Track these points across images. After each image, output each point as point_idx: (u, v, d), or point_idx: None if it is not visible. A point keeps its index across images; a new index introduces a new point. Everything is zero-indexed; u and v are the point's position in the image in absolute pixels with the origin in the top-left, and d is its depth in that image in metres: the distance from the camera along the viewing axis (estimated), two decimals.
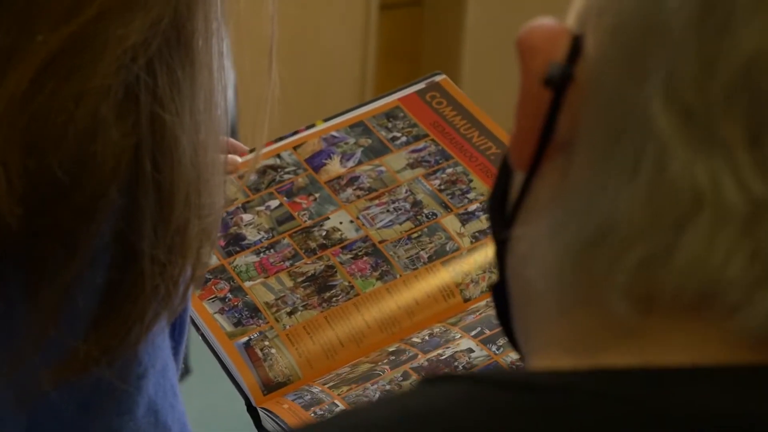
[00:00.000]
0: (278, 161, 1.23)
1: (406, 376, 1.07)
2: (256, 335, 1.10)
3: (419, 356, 1.09)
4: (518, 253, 0.53)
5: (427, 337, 1.11)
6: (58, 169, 0.65)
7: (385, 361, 1.09)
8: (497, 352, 1.09)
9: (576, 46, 0.48)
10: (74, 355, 0.69)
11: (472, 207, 1.19)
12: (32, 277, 0.68)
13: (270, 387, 1.08)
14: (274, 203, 1.20)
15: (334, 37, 3.41)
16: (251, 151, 1.11)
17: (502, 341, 1.09)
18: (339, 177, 1.21)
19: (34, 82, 0.65)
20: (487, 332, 1.10)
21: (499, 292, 0.57)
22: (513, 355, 1.08)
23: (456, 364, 1.08)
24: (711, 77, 0.44)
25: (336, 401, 1.05)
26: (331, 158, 1.23)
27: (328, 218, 1.18)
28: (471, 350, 1.09)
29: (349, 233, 1.17)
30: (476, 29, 3.66)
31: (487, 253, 1.17)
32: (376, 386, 1.06)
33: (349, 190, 1.20)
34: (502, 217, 0.55)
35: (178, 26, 0.68)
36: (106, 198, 0.67)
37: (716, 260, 0.45)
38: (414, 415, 0.46)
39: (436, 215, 1.19)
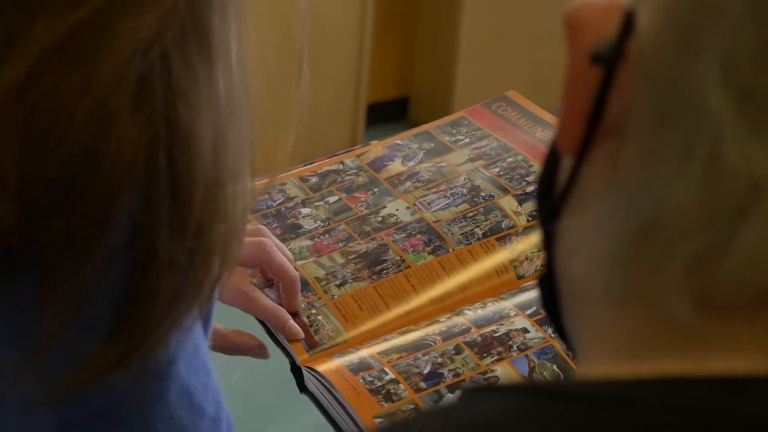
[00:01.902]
0: (341, 166, 1.24)
1: (458, 349, 1.03)
2: (303, 306, 1.08)
3: (472, 330, 1.05)
4: (566, 246, 0.51)
5: (480, 311, 1.07)
6: (59, 166, 0.61)
7: (436, 331, 1.05)
8: (553, 336, 1.04)
9: (628, 22, 0.45)
10: (90, 361, 0.66)
11: (531, 188, 1.17)
12: (44, 282, 0.65)
13: (315, 348, 1.05)
14: (332, 198, 1.20)
15: (331, 9, 3.30)
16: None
17: None
18: (399, 174, 1.22)
19: (32, 72, 0.61)
20: (543, 313, 1.06)
21: (547, 283, 0.55)
22: None
23: (510, 343, 1.04)
24: None
25: (386, 368, 1.02)
26: (393, 161, 1.24)
27: (384, 207, 1.18)
28: (526, 330, 1.05)
29: (405, 218, 1.16)
30: (474, 2, 3.59)
31: None
32: (427, 357, 1.03)
33: (408, 183, 1.20)
34: (549, 206, 0.53)
35: (194, 12, 0.65)
36: (120, 198, 0.63)
37: None
38: (464, 427, 0.44)
39: (493, 197, 1.17)
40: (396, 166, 1.22)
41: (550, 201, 0.52)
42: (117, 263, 0.65)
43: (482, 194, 1.17)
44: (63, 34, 0.61)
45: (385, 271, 1.11)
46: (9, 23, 0.62)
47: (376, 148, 1.25)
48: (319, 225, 1.17)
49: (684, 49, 0.43)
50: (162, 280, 0.65)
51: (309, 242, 1.15)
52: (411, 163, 1.22)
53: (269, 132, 0.77)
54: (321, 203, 1.20)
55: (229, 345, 1.07)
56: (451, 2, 3.61)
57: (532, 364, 1.02)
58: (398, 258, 1.12)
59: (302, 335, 1.06)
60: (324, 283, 1.10)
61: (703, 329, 0.44)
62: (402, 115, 3.80)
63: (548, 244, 0.53)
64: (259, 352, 1.06)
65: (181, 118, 0.64)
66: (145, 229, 0.64)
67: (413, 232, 1.14)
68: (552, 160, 0.54)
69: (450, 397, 1.00)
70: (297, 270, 1.11)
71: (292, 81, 0.75)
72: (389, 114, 3.75)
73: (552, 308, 0.55)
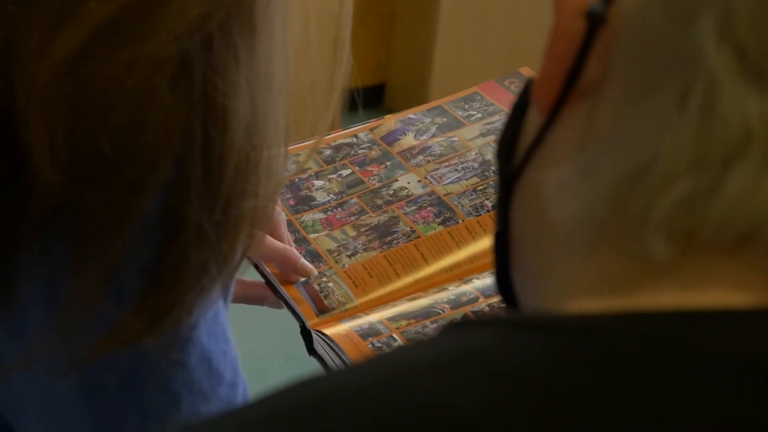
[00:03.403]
0: (355, 140, 1.26)
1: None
2: (315, 275, 1.10)
3: (480, 299, 1.07)
4: (536, 196, 0.53)
5: (488, 280, 1.09)
6: (105, 138, 0.63)
7: (444, 299, 1.07)
8: None
9: None
10: (120, 328, 0.68)
11: None
12: (79, 251, 0.66)
13: (324, 311, 1.07)
14: (346, 171, 1.22)
15: None
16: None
17: None
18: (411, 148, 1.23)
19: (84, 48, 0.62)
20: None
21: (502, 238, 0.57)
22: None
23: None
24: None
25: (394, 335, 1.03)
26: (405, 135, 1.25)
27: (396, 180, 1.20)
28: None
29: (416, 191, 1.18)
30: None
31: None
32: (435, 325, 1.04)
33: (420, 157, 1.22)
34: (511, 159, 0.56)
35: None
36: (157, 172, 0.64)
37: (763, 197, 0.44)
38: (448, 360, 0.44)
39: None
40: (408, 140, 1.24)
41: (512, 156, 0.55)
42: (150, 233, 0.66)
43: (493, 168, 1.19)
44: (116, 11, 0.62)
45: (395, 241, 1.13)
46: None
47: (390, 122, 1.27)
48: (332, 198, 1.19)
49: (677, 10, 0.45)
50: (191, 250, 0.67)
51: (322, 215, 1.17)
52: (423, 137, 1.24)
53: (306, 111, 0.78)
54: (334, 176, 1.22)
55: (244, 294, 1.09)
56: None
57: None
58: (408, 229, 1.14)
59: (315, 272, 1.08)
60: (335, 254, 1.12)
61: (682, 267, 0.45)
62: (379, 102, 3.81)
63: (506, 197, 0.55)
64: (274, 301, 1.08)
65: (219, 96, 0.65)
66: (177, 200, 0.66)
67: (424, 205, 1.16)
68: (515, 117, 0.56)
69: None
70: (310, 242, 1.13)
71: (326, 63, 0.76)
72: (365, 101, 3.75)
73: (503, 263, 0.57)
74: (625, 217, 0.47)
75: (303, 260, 1.09)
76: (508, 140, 0.56)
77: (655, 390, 0.41)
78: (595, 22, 0.47)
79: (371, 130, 1.27)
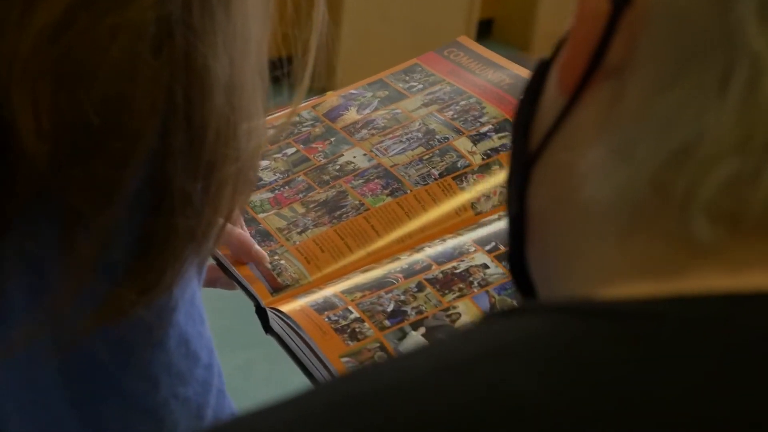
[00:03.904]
0: (297, 118, 1.26)
1: (420, 286, 1.05)
2: (266, 254, 1.10)
3: (433, 267, 1.07)
4: (562, 178, 0.53)
5: (439, 247, 1.09)
6: (91, 108, 0.62)
7: (397, 269, 1.07)
8: None
9: None
10: (112, 300, 0.68)
11: (484, 129, 1.19)
12: (68, 229, 0.66)
13: (278, 289, 1.07)
14: (290, 150, 1.22)
15: None
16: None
17: None
18: (355, 122, 1.23)
19: (65, 16, 0.62)
20: (502, 248, 1.08)
21: (518, 220, 0.57)
22: None
23: (471, 279, 1.05)
24: None
25: (350, 307, 1.03)
26: (348, 110, 1.25)
27: (342, 155, 1.19)
28: (486, 266, 1.06)
29: (362, 164, 1.18)
30: None
31: (499, 169, 1.16)
32: (390, 295, 1.04)
33: (364, 131, 1.21)
34: (527, 142, 0.55)
35: None
36: (143, 141, 0.64)
37: None
38: (503, 349, 0.44)
39: (448, 139, 1.19)
40: (351, 115, 1.24)
41: (528, 138, 0.55)
42: (137, 203, 0.66)
43: (437, 137, 1.19)
44: None
45: (344, 215, 1.12)
46: None
47: (331, 98, 1.27)
48: (279, 177, 1.19)
49: None
50: (177, 217, 0.67)
51: (269, 194, 1.17)
52: (366, 111, 1.24)
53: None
54: (279, 155, 1.21)
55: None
56: None
57: (493, 300, 1.04)
58: (357, 202, 1.13)
59: (267, 259, 1.07)
60: (286, 232, 1.12)
61: (727, 249, 0.45)
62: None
63: (522, 180, 0.55)
64: (227, 282, 1.08)
65: (199, 59, 0.65)
66: (161, 168, 0.65)
67: (371, 178, 1.16)
68: (529, 100, 0.56)
69: (414, 334, 1.01)
70: (259, 222, 1.13)
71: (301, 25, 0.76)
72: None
73: (518, 245, 0.57)
74: (668, 198, 0.46)
75: (257, 246, 1.08)
76: (523, 123, 0.55)
77: (718, 375, 0.41)
78: (620, 3, 0.48)
79: (313, 107, 1.27)
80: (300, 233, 1.11)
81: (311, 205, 1.14)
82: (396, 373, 0.45)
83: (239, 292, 1.08)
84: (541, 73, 0.55)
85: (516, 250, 0.58)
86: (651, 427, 0.40)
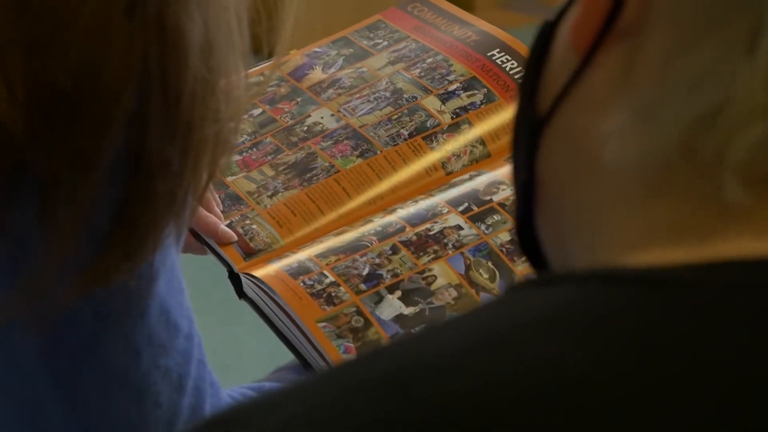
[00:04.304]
0: (261, 78, 1.24)
1: (395, 249, 1.04)
2: (237, 218, 1.09)
3: (407, 229, 1.06)
4: (578, 142, 0.51)
5: (411, 209, 1.09)
6: (65, 74, 0.61)
7: (371, 231, 1.06)
8: (486, 232, 1.05)
9: None
10: (94, 269, 0.67)
11: (453, 87, 1.18)
12: (48, 199, 0.65)
13: (251, 254, 1.06)
14: (256, 111, 1.20)
15: None
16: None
17: (490, 221, 1.06)
18: (321, 82, 1.22)
19: None
20: (475, 209, 1.07)
21: (527, 189, 0.55)
22: (503, 237, 1.05)
23: (445, 241, 1.05)
24: None
25: (325, 271, 1.02)
26: (313, 69, 1.23)
27: (309, 116, 1.18)
28: (460, 227, 1.06)
29: (330, 125, 1.17)
30: None
31: (468, 128, 1.15)
32: (365, 258, 1.04)
33: (330, 91, 1.20)
34: (536, 106, 0.54)
35: None
36: (120, 106, 0.63)
37: None
38: (538, 321, 0.43)
39: (416, 98, 1.18)
40: (317, 74, 1.22)
41: (536, 102, 0.53)
42: (116, 169, 0.65)
43: (405, 96, 1.18)
44: None
45: (315, 178, 1.11)
46: None
47: (295, 57, 1.25)
48: (246, 139, 1.17)
49: None
50: (156, 181, 0.66)
51: (237, 157, 1.15)
52: (331, 70, 1.22)
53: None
54: (245, 117, 1.20)
55: None
56: None
57: (468, 262, 1.04)
58: (327, 164, 1.12)
59: (235, 238, 1.06)
60: (256, 195, 1.11)
61: (757, 212, 0.45)
62: None
63: (531, 145, 0.54)
64: (199, 248, 1.07)
65: (171, 20, 0.64)
66: (139, 132, 0.65)
67: (340, 139, 1.15)
68: (535, 62, 0.54)
69: (390, 298, 1.01)
70: (228, 186, 1.12)
71: None
72: None
73: (528, 213, 0.56)
74: (696, 161, 0.45)
75: (223, 226, 1.07)
76: (529, 87, 0.54)
77: (765, 338, 0.41)
78: None
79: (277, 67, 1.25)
80: (270, 196, 1.10)
81: (281, 168, 1.13)
82: (431, 347, 0.44)
83: (211, 258, 1.07)
84: (546, 34, 0.54)
85: (525, 219, 0.56)
86: (709, 396, 0.40)
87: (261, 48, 0.77)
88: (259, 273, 1.02)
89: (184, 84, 0.65)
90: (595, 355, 0.41)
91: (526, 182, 0.55)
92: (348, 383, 0.43)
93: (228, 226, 1.08)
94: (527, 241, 0.57)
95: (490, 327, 0.44)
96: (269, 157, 1.14)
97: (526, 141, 0.55)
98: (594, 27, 0.49)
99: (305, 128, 1.17)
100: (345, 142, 1.14)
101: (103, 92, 0.63)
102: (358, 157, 1.13)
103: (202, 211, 1.06)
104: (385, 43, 1.24)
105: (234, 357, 2.52)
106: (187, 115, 0.66)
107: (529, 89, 0.55)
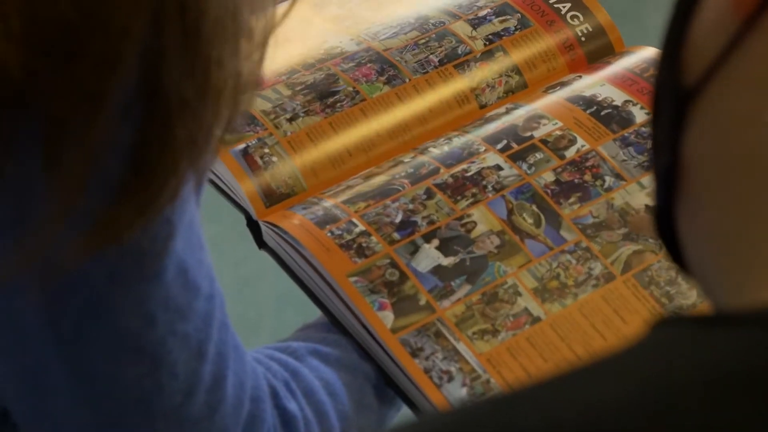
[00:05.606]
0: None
1: (429, 193, 0.94)
2: (254, 141, 0.98)
3: (441, 170, 0.96)
4: (738, 130, 0.42)
5: (446, 148, 0.99)
6: (66, 1, 0.55)
7: (402, 173, 0.96)
8: (529, 172, 0.96)
9: None
10: (105, 223, 0.61)
11: (483, 12, 1.08)
12: (51, 144, 0.59)
13: (272, 199, 0.95)
14: None
15: None
16: None
17: (532, 159, 0.97)
18: (337, 17, 1.11)
19: None
20: (515, 146, 0.98)
21: (669, 175, 0.45)
22: (546, 177, 0.95)
23: (484, 183, 0.95)
24: None
25: (354, 219, 0.92)
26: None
27: (325, 41, 1.07)
28: (499, 167, 0.96)
29: (350, 48, 1.06)
30: None
31: (503, 55, 1.05)
32: (397, 204, 0.94)
33: (349, 21, 1.09)
34: (680, 74, 0.44)
35: None
36: (131, 38, 0.57)
37: None
38: (719, 382, 0.35)
39: (444, 23, 1.07)
40: (332, 10, 1.12)
41: (680, 70, 0.44)
42: (129, 109, 0.59)
43: (432, 21, 1.08)
44: None
45: (338, 104, 1.01)
46: None
47: None
48: None
49: None
50: (174, 123, 0.60)
51: None
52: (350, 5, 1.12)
53: None
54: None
55: None
56: None
57: (510, 206, 0.94)
58: (351, 89, 1.02)
59: None
60: (273, 116, 1.00)
61: None
62: None
63: (676, 120, 0.44)
64: None
65: None
66: (155, 67, 0.58)
67: (363, 61, 1.04)
68: (681, 16, 0.45)
69: (426, 247, 0.91)
70: None
71: None
72: None
73: (666, 204, 0.46)
74: None
75: None
76: (672, 45, 0.45)
77: None
78: None
79: None
80: (290, 120, 0.99)
81: (298, 88, 1.02)
82: (592, 398, 0.36)
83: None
84: None
85: (664, 209, 0.47)
86: None
87: None
88: (281, 222, 0.92)
89: (206, 10, 0.58)
90: None
91: (667, 167, 0.45)
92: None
93: (244, 151, 0.97)
94: (668, 233, 0.48)
95: (665, 380, 0.36)
96: (284, 77, 1.03)
97: (670, 114, 0.45)
98: None
99: (322, 51, 1.05)
100: (369, 65, 1.04)
101: (110, 23, 0.57)
102: (384, 84, 1.02)
103: None
104: None
105: (256, 316, 2.38)
106: (208, 48, 0.59)
107: (671, 48, 0.45)
